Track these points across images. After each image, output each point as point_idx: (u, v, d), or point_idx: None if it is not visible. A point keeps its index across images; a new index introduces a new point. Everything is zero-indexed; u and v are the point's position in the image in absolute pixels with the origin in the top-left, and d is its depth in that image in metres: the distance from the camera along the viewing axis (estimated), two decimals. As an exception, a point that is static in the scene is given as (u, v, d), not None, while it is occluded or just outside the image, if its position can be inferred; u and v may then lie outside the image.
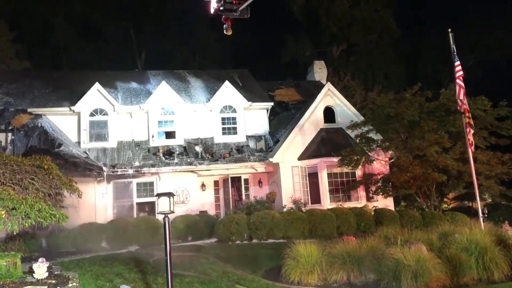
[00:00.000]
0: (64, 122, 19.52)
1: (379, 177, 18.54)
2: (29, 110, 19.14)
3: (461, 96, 13.03)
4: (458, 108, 13.50)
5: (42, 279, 9.45)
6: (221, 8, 12.40)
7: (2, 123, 18.28)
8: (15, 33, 29.14)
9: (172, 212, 6.95)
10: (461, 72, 13.20)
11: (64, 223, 15.36)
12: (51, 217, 8.73)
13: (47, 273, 9.67)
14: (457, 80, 13.12)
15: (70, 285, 9.15)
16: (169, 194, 6.92)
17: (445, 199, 23.51)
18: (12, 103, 19.62)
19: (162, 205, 6.85)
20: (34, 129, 18.24)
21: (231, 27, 13.28)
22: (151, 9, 38.78)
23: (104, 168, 17.92)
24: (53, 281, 9.51)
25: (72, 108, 19.38)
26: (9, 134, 18.35)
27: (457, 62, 13.15)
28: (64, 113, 19.57)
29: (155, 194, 18.46)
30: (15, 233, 14.43)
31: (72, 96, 20.08)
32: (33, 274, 9.57)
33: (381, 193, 18.47)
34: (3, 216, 8.28)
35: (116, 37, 39.52)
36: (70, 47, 37.75)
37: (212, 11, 12.70)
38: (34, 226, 15.28)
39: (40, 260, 9.64)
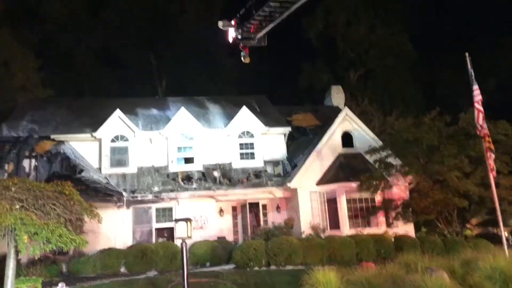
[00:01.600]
0: (86, 148, 19.90)
1: (398, 202, 18.31)
2: (52, 136, 19.59)
3: (480, 121, 12.91)
4: (478, 133, 13.37)
5: (61, 304, 9.58)
6: (239, 37, 12.72)
7: (26, 150, 18.72)
8: (40, 62, 30.08)
9: (190, 237, 7.01)
10: (480, 96, 13.11)
11: (84, 248, 15.62)
12: (71, 242, 8.88)
13: (67, 298, 9.80)
14: (476, 105, 13.04)
15: (88, 310, 9.24)
16: (187, 220, 6.99)
17: (468, 226, 23.00)
18: (36, 130, 20.14)
19: (180, 230, 6.93)
20: (56, 156, 18.65)
21: (249, 54, 13.57)
22: (171, 37, 39.71)
23: (124, 193, 18.14)
24: (72, 307, 9.63)
25: (94, 134, 19.78)
26: (33, 161, 18.76)
27: (475, 86, 13.10)
28: (86, 139, 19.97)
29: (173, 219, 18.75)
30: (36, 258, 14.69)
31: (93, 122, 20.52)
32: (54, 300, 9.71)
33: (401, 219, 18.21)
34: (26, 241, 8.46)
35: (137, 64, 40.43)
36: (92, 75, 38.71)
37: (230, 39, 13.03)
38: (55, 251, 15.52)
39: (60, 285, 9.81)
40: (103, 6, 39.44)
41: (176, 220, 6.78)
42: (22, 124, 20.51)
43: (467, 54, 13.46)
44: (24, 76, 27.42)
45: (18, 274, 9.72)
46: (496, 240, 18.34)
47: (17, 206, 9.00)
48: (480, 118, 12.91)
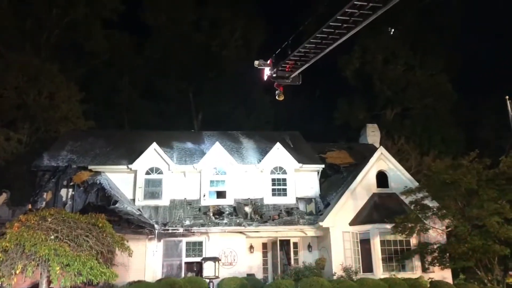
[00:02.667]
0: (121, 179, 20.36)
1: (435, 246, 17.61)
2: (90, 167, 20.19)
3: (522, 165, 12.43)
4: (520, 177, 12.84)
5: (88, 337, 9.60)
6: (274, 75, 12.93)
7: (64, 179, 19.35)
8: (84, 94, 31.39)
9: (217, 277, 6.94)
10: (521, 141, 12.69)
11: (114, 281, 15.72)
12: (102, 274, 8.99)
13: (94, 331, 9.83)
14: (517, 149, 12.60)
15: None
16: (215, 259, 6.96)
17: (511, 273, 21.81)
18: (75, 160, 20.83)
19: (208, 269, 6.88)
20: (93, 186, 19.15)
21: (283, 93, 13.74)
22: (210, 72, 40.78)
23: (156, 226, 18.31)
24: None
25: (130, 166, 20.24)
26: (70, 190, 19.34)
27: (516, 130, 12.70)
28: (122, 171, 20.45)
29: (203, 255, 18.70)
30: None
31: (130, 154, 21.05)
32: (81, 332, 9.75)
33: (437, 264, 17.45)
34: (58, 272, 8.61)
35: (176, 98, 41.60)
36: (132, 108, 40.02)
37: (265, 78, 13.25)
38: (85, 283, 15.70)
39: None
40: (147, 41, 41.16)
41: (204, 259, 6.75)
42: (62, 154, 21.26)
43: (507, 97, 13.15)
44: (67, 108, 28.57)
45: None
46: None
47: (52, 237, 9.23)
48: (521, 163, 12.43)
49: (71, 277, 8.69)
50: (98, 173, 20.05)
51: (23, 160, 24.15)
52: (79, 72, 36.07)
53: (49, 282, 9.61)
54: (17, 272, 8.34)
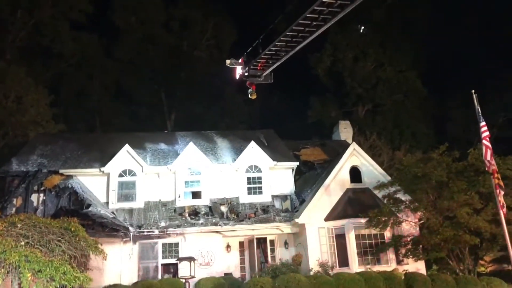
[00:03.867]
0: (94, 183, 20.01)
1: (408, 239, 17.98)
2: (61, 171, 19.75)
3: (488, 157, 12.85)
4: (486, 169, 13.25)
5: None
6: (246, 74, 12.95)
7: (34, 184, 18.88)
8: (53, 98, 30.71)
9: (193, 277, 6.92)
10: (487, 133, 13.10)
11: (88, 286, 15.44)
12: (75, 279, 8.82)
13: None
14: (484, 141, 13.01)
15: None
16: (190, 259, 6.92)
17: (482, 262, 22.45)
18: (45, 164, 20.34)
19: (183, 269, 6.83)
20: (64, 190, 18.76)
21: (256, 91, 13.77)
22: (182, 73, 40.51)
23: (130, 228, 18.08)
24: None
25: (102, 169, 19.91)
26: (41, 195, 18.89)
27: (483, 123, 13.10)
28: (94, 174, 20.10)
29: (180, 256, 18.56)
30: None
31: (102, 157, 20.72)
32: (55, 338, 9.54)
33: (411, 256, 17.83)
34: (29, 278, 8.41)
35: (147, 99, 41.16)
36: (103, 110, 39.40)
37: (237, 77, 13.26)
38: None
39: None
40: (117, 43, 40.56)
41: (179, 259, 6.71)
42: (32, 159, 20.74)
43: (473, 91, 13.52)
44: (36, 111, 27.90)
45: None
46: (510, 278, 17.85)
47: (22, 243, 9.00)
48: (488, 154, 12.85)
49: (43, 283, 8.48)
50: (69, 177, 19.65)
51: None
52: (47, 75, 35.34)
53: (21, 288, 9.38)
54: (-13, 279, 8.09)
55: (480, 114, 13.09)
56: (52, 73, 36.04)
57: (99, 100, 38.92)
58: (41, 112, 28.11)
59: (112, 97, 40.65)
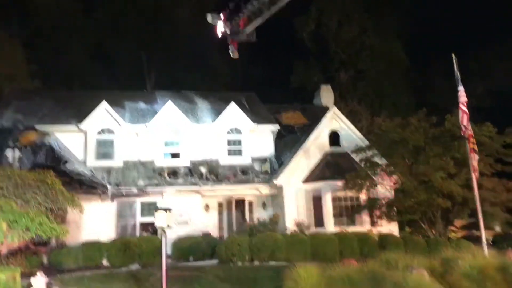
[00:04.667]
0: (71, 140, 19.70)
1: (383, 201, 18.41)
2: (37, 127, 19.38)
3: (465, 122, 13.01)
4: (462, 133, 13.44)
5: (40, 293, 9.47)
6: (228, 31, 12.73)
7: (10, 140, 18.51)
8: (28, 53, 29.77)
9: (169, 227, 6.97)
10: (465, 98, 13.20)
11: (67, 240, 15.48)
12: (52, 230, 8.80)
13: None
14: (461, 106, 13.13)
15: (67, 300, 9.15)
16: (167, 209, 6.95)
17: (453, 228, 23.17)
18: (21, 120, 19.92)
19: (159, 219, 6.88)
20: (41, 147, 18.48)
21: (238, 50, 13.58)
22: (162, 32, 39.53)
23: (108, 186, 18.02)
24: (51, 296, 9.53)
25: (80, 126, 19.60)
26: (17, 151, 18.54)
27: (461, 88, 13.19)
28: (71, 131, 19.77)
29: (155, 214, 18.66)
30: (16, 248, 14.52)
31: (80, 114, 20.34)
32: (31, 289, 9.60)
33: (385, 218, 18.31)
34: (4, 229, 8.35)
35: (127, 60, 40.20)
36: (82, 69, 38.40)
37: (219, 34, 13.02)
38: (36, 242, 15.35)
39: (38, 273, 9.69)
40: (96, 2, 39.21)
41: (156, 209, 6.73)
42: (7, 114, 20.28)
43: (453, 55, 13.56)
44: (11, 66, 27.02)
45: (-4, 265, 9.60)
46: (479, 242, 18.49)
47: (-3, 193, 8.89)
48: (464, 119, 13.00)
49: (19, 233, 8.45)
50: (46, 133, 19.30)
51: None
52: (24, 32, 34.04)
53: (-4, 240, 9.35)
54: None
55: (459, 78, 13.19)
56: (29, 30, 34.74)
57: (77, 59, 37.83)
58: (16, 67, 27.24)
59: (91, 57, 39.54)
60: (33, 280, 9.51)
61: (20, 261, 13.82)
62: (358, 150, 19.02)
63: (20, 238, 8.49)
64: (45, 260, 15.14)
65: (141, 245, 15.67)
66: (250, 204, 20.79)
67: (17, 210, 8.56)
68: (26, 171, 10.21)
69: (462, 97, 13.12)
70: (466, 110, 13.13)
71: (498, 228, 23.84)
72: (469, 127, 13.21)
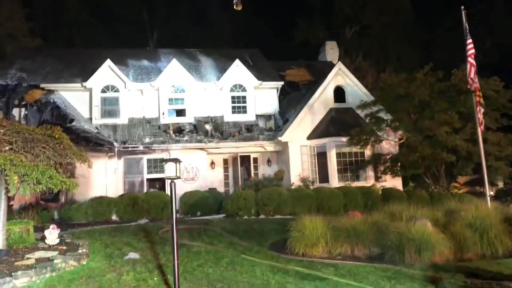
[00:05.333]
0: (76, 98, 19.77)
1: (388, 157, 18.51)
2: (42, 85, 19.38)
3: (472, 75, 12.89)
4: (469, 86, 13.35)
5: (53, 245, 9.75)
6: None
7: (15, 98, 18.56)
8: (28, 11, 29.31)
9: (178, 177, 7.06)
10: (473, 51, 13.02)
11: (76, 196, 15.79)
12: (62, 183, 8.92)
13: (58, 240, 9.97)
14: (469, 58, 12.97)
15: (80, 251, 9.42)
16: (176, 160, 7.03)
17: (456, 184, 23.40)
18: (25, 78, 19.89)
19: (169, 170, 6.96)
20: (46, 105, 18.52)
21: (241, 2, 13.33)
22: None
23: (115, 143, 18.18)
24: (64, 247, 9.80)
25: (84, 84, 19.58)
26: (23, 109, 18.64)
27: (469, 40, 12.98)
28: (76, 89, 19.79)
29: (164, 171, 18.89)
30: (27, 204, 14.86)
31: (84, 72, 20.28)
32: (45, 241, 9.87)
33: (389, 173, 18.47)
34: (16, 181, 8.49)
35: (128, 17, 39.56)
36: (82, 27, 37.91)
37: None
38: (46, 199, 15.67)
39: (51, 226, 9.93)
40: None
41: (165, 160, 6.80)
42: (11, 73, 20.22)
43: (462, 7, 13.25)
44: (11, 25, 26.68)
45: (9, 219, 9.80)
46: (481, 197, 18.70)
47: (6, 148, 8.98)
48: (472, 72, 12.88)
49: (30, 186, 8.59)
50: (51, 91, 19.33)
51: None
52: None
53: (8, 192, 9.52)
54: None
55: (467, 31, 12.95)
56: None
57: (77, 15, 37.26)
58: (17, 26, 26.91)
59: (92, 14, 38.91)
60: (46, 232, 9.76)
61: (32, 216, 14.22)
62: (363, 105, 18.93)
63: (31, 190, 8.62)
64: (55, 215, 15.52)
65: (149, 200, 15.94)
66: (255, 160, 20.99)
67: (27, 164, 8.65)
68: (34, 127, 10.26)
69: (470, 49, 12.93)
70: (474, 63, 12.98)
71: (500, 184, 24.08)
72: (476, 80, 13.10)
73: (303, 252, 10.13)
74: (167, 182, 17.70)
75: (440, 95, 17.18)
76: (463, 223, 10.58)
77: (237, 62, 21.49)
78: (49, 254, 9.08)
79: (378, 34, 36.02)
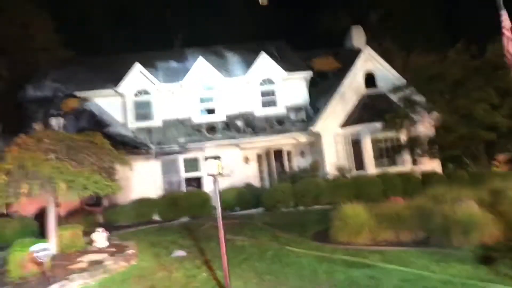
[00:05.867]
0: (110, 104, 20.20)
1: (424, 139, 18.13)
2: (77, 94, 19.91)
3: (510, 48, 12.43)
4: (508, 62, 12.90)
5: (103, 247, 10.09)
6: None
7: (53, 108, 19.14)
8: (57, 23, 30.11)
9: (221, 174, 7.18)
10: (508, 22, 12.54)
11: (117, 200, 16.18)
12: (107, 187, 9.21)
13: (107, 242, 10.30)
14: (504, 31, 12.52)
15: (129, 251, 9.70)
16: (216, 157, 7.14)
17: (495, 163, 22.71)
18: (60, 88, 20.49)
19: (210, 167, 7.08)
20: (83, 112, 19.07)
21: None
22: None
23: (151, 145, 18.53)
24: (113, 249, 10.12)
25: (116, 89, 20.01)
26: (60, 119, 19.18)
27: (503, 11, 12.52)
28: (109, 95, 20.23)
29: (200, 170, 19.17)
30: (73, 209, 15.34)
31: (115, 78, 20.70)
32: (94, 244, 10.22)
33: (427, 156, 18.10)
34: (64, 188, 8.81)
35: (152, 20, 40.08)
36: (107, 36, 38.65)
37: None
38: (90, 204, 16.12)
39: (100, 230, 10.28)
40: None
41: (206, 158, 6.93)
42: (46, 84, 20.86)
43: (494, -22, 12.79)
44: (44, 38, 27.46)
45: (58, 225, 10.18)
46: (523, 175, 18.13)
47: (52, 156, 9.32)
48: (510, 46, 12.41)
49: (78, 192, 8.91)
50: (85, 99, 19.85)
51: (7, 95, 23.63)
52: (49, 2, 34.22)
53: (57, 199, 9.89)
54: (23, 191, 8.50)
55: (501, 1, 12.50)
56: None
57: (102, 26, 38.01)
58: (49, 38, 27.67)
59: (116, 22, 39.61)
60: (94, 235, 10.10)
61: (78, 221, 14.66)
62: (396, 89, 18.57)
63: (79, 196, 8.95)
64: (100, 219, 16.00)
65: (188, 199, 16.25)
66: (289, 153, 20.97)
67: (73, 171, 8.97)
68: (75, 135, 10.60)
69: (506, 21, 12.46)
70: (511, 36, 12.52)
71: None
72: (514, 54, 12.62)
73: (347, 240, 10.11)
74: (203, 179, 17.97)
75: (475, 72, 16.65)
76: (511, 202, 10.31)
77: (264, 55, 21.49)
78: (99, 256, 9.40)
79: (403, 15, 35.23)
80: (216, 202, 7.20)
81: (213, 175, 7.15)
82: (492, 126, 16.18)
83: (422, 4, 35.93)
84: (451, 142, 16.65)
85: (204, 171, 18.52)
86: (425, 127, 18.59)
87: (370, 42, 28.48)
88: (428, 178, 16.69)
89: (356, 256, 8.94)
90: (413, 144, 18.26)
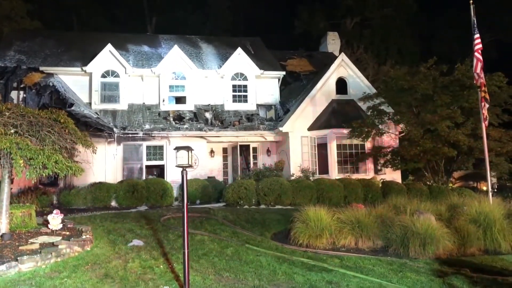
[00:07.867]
0: (76, 83, 19.51)
1: (388, 150, 18.52)
2: (41, 68, 19.09)
3: (478, 70, 12.84)
4: (475, 82, 13.32)
5: (56, 230, 9.67)
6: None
7: (14, 81, 18.27)
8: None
9: (190, 166, 7.00)
10: (480, 45, 12.98)
11: (75, 181, 15.66)
12: (68, 168, 8.83)
13: (61, 225, 9.88)
14: (476, 53, 12.91)
15: (83, 237, 9.34)
16: (188, 148, 6.95)
17: (452, 179, 23.52)
18: (24, 61, 19.59)
19: (180, 158, 6.88)
20: (45, 88, 18.26)
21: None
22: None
23: (115, 129, 18.01)
24: (67, 233, 9.73)
25: (84, 68, 19.31)
26: (21, 92, 18.37)
27: (477, 35, 12.93)
28: (76, 73, 19.53)
29: (164, 158, 18.83)
30: (27, 188, 14.71)
31: (84, 56, 20.02)
32: (48, 226, 9.77)
33: (389, 166, 18.49)
34: (22, 165, 8.38)
35: (127, 1, 39.10)
36: (81, 10, 37.41)
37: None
38: (45, 183, 15.53)
39: (55, 211, 9.84)
40: None
41: (177, 148, 6.72)
42: (9, 55, 19.92)
43: (471, 1, 13.17)
44: (9, 6, 26.21)
45: (10, 203, 9.68)
46: (475, 192, 18.82)
47: (12, 131, 8.84)
48: (478, 67, 12.83)
49: (36, 170, 8.48)
50: (50, 75, 19.04)
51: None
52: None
53: (11, 179, 9.41)
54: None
55: (475, 25, 12.89)
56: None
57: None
58: (15, 7, 26.43)
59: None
60: (50, 217, 9.66)
61: (31, 200, 14.09)
62: (365, 98, 18.90)
63: (37, 174, 8.52)
64: (54, 200, 15.42)
65: (149, 187, 15.86)
66: (255, 150, 20.92)
67: (33, 147, 8.53)
68: (39, 110, 10.10)
69: (478, 44, 12.88)
70: (481, 57, 12.93)
71: (494, 179, 24.24)
72: (482, 76, 13.06)
73: (307, 243, 10.13)
74: (167, 168, 17.59)
75: (443, 89, 17.16)
76: (467, 218, 10.63)
77: (239, 50, 21.30)
78: (52, 239, 9.00)
79: (379, 26, 35.89)
80: (183, 195, 7.01)
81: (182, 167, 6.95)
82: (454, 143, 16.72)
83: (398, 17, 36.69)
84: (414, 155, 17.07)
85: (170, 161, 18.22)
86: (390, 137, 18.97)
87: (345, 48, 28.90)
88: (388, 187, 17.02)
89: (315, 259, 8.95)
90: (377, 153, 18.60)
